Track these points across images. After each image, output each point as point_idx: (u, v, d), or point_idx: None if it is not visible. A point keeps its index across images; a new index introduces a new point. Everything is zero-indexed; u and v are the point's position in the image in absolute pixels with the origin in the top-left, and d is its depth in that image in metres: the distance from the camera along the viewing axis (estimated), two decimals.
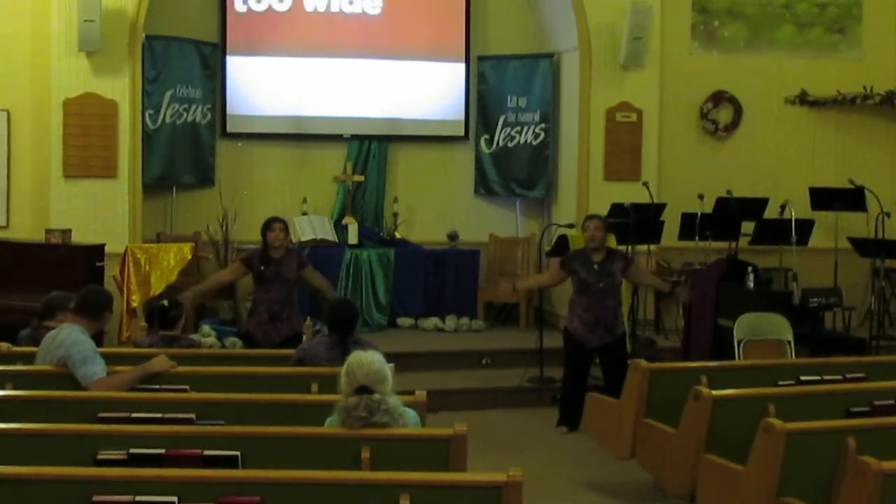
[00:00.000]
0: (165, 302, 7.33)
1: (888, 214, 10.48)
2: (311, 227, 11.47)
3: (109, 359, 6.24)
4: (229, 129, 11.81)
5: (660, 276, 11.03)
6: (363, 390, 4.76)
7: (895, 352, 9.84)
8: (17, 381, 6.02)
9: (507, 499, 4.22)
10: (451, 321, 11.34)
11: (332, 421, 4.92)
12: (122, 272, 9.75)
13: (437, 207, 12.27)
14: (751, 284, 9.07)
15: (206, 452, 4.77)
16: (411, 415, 5.00)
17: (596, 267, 8.58)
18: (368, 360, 4.83)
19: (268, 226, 8.55)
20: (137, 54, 10.59)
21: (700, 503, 6.11)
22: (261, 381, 6.31)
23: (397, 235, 11.87)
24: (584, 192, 11.30)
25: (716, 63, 12.08)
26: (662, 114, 11.57)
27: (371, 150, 12.06)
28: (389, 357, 5.05)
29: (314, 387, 6.11)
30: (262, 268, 8.40)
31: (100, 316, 6.43)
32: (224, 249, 11.29)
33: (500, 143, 12.14)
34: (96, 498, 4.17)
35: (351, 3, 11.93)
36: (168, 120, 11.20)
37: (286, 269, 8.44)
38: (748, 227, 10.60)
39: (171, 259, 9.96)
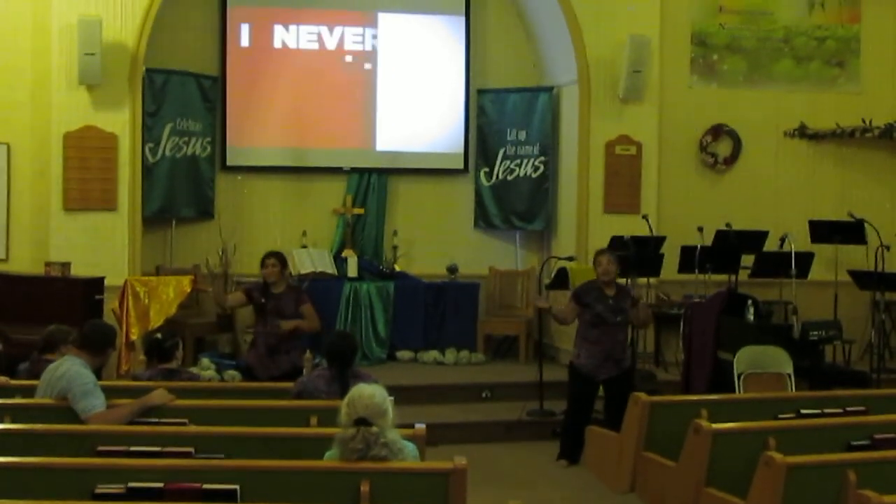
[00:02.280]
0: (159, 335, 7.34)
1: (888, 247, 10.47)
2: (311, 260, 11.46)
3: (109, 392, 6.24)
4: (229, 162, 11.82)
5: (659, 309, 11.07)
6: (361, 422, 4.75)
7: (895, 385, 9.82)
8: (16, 414, 6.01)
9: None
10: (450, 354, 11.31)
11: (331, 455, 4.90)
12: (121, 305, 9.73)
13: (437, 240, 12.26)
14: (751, 317, 9.06)
15: (205, 486, 4.75)
16: (411, 448, 4.99)
17: (611, 301, 8.58)
18: (370, 392, 4.84)
19: (262, 263, 8.68)
20: (138, 88, 10.63)
21: None
22: (260, 414, 6.30)
23: (397, 268, 11.86)
24: (583, 225, 11.30)
25: (715, 96, 12.12)
26: (662, 147, 11.60)
27: (371, 182, 12.07)
28: (389, 390, 5.03)
29: (313, 420, 6.10)
30: (263, 300, 8.50)
31: (103, 351, 6.43)
32: (223, 282, 11.29)
33: (500, 176, 12.15)
34: None
35: (351, 37, 11.99)
36: (168, 153, 11.20)
37: (285, 304, 8.59)
38: (748, 259, 10.61)
39: (171, 292, 9.94)
